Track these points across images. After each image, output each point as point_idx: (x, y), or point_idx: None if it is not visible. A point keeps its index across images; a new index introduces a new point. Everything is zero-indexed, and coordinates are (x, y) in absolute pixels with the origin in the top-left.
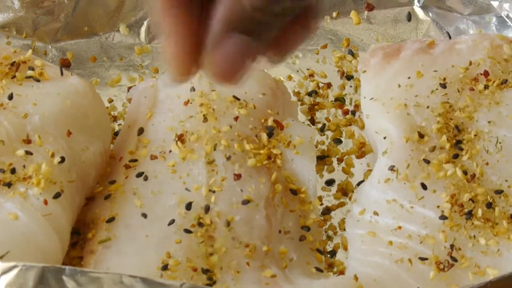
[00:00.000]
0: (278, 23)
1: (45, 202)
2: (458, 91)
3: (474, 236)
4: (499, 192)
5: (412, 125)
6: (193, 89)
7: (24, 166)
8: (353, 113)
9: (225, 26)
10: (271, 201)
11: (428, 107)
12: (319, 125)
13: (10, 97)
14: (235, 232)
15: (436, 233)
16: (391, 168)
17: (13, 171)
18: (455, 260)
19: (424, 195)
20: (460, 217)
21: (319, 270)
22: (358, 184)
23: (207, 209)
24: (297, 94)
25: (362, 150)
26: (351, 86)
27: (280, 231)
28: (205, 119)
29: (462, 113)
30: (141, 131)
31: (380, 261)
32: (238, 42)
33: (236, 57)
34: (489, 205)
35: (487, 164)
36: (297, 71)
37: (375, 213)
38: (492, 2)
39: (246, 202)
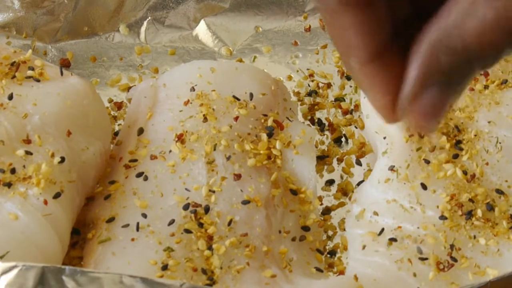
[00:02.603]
0: (470, 73)
1: (45, 202)
2: None
3: (474, 236)
4: (499, 192)
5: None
6: (193, 89)
7: (24, 166)
8: (353, 113)
9: (421, 82)
10: (271, 201)
11: None
12: (319, 125)
13: (10, 97)
14: (235, 232)
15: (436, 233)
16: (391, 168)
17: (13, 171)
18: (455, 260)
19: (424, 195)
20: (460, 217)
21: (319, 270)
22: (358, 184)
23: (207, 209)
24: (297, 94)
25: (362, 150)
26: (351, 86)
27: (280, 231)
28: (205, 119)
29: (462, 113)
30: (141, 131)
31: (380, 261)
32: (435, 95)
33: (434, 109)
34: (489, 205)
35: (487, 164)
36: (297, 71)
37: (375, 213)
38: None
39: (246, 202)
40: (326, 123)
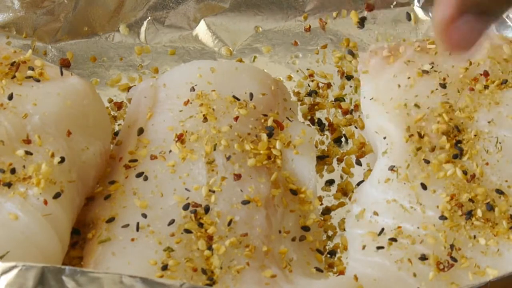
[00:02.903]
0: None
1: (45, 202)
2: (458, 91)
3: (474, 236)
4: (499, 192)
5: (412, 125)
6: (193, 89)
7: (24, 166)
8: (353, 113)
9: (460, 5)
10: (271, 201)
11: (428, 107)
12: (319, 125)
13: (10, 97)
14: (235, 232)
15: (436, 233)
16: (391, 168)
17: (13, 171)
18: (455, 260)
19: (424, 195)
20: (460, 217)
21: (319, 270)
22: (358, 184)
23: (207, 209)
24: (297, 94)
25: (362, 150)
26: (351, 86)
27: (280, 231)
28: (205, 119)
29: (462, 113)
30: (141, 131)
31: (380, 261)
32: (471, 23)
33: (469, 36)
34: (489, 205)
35: (487, 164)
36: (297, 71)
37: (375, 213)
38: None
39: (246, 202)
40: (326, 123)
